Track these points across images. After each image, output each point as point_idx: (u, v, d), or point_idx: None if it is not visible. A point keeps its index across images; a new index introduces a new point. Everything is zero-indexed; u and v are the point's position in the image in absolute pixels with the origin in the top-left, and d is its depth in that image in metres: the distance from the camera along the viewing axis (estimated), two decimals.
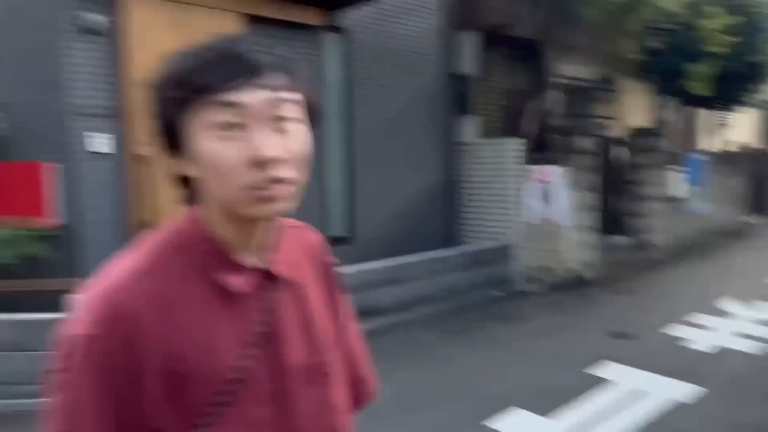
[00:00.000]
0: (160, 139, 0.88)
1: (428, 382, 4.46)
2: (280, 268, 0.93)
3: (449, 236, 7.80)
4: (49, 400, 0.84)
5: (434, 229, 7.56)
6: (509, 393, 4.16)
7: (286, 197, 0.85)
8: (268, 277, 0.92)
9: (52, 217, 4.63)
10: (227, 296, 0.88)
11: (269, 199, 0.83)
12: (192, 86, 0.81)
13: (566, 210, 7.35)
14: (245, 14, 5.49)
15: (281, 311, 0.92)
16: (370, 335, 5.09)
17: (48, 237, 4.55)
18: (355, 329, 1.14)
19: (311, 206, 6.26)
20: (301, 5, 5.85)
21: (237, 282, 0.88)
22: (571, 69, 9.19)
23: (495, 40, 8.26)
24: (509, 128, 8.46)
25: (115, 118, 4.88)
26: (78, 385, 0.82)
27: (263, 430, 0.89)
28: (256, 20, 5.60)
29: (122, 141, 4.91)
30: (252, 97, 0.80)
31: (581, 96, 10.23)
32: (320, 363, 0.96)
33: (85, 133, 4.76)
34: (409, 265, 6.45)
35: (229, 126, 0.80)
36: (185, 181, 0.90)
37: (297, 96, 0.86)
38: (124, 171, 4.93)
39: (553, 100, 8.56)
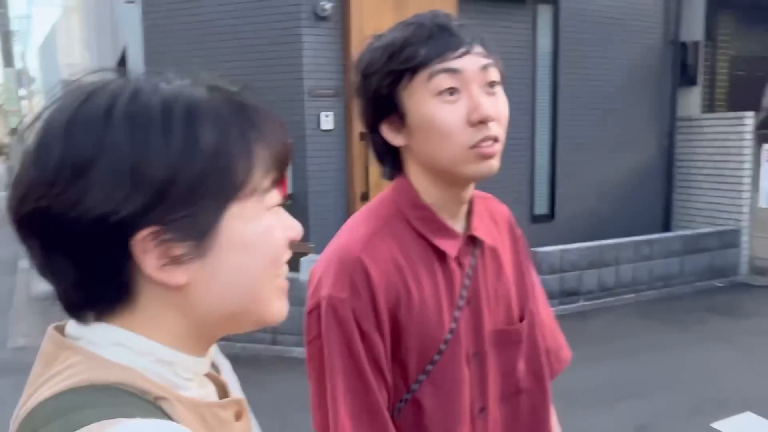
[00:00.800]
0: (370, 114, 0.96)
1: (639, 371, 4.25)
2: (481, 234, 0.99)
3: (664, 219, 7.24)
4: (313, 363, 0.94)
5: (646, 211, 7.06)
6: (738, 394, 3.81)
7: (498, 155, 0.93)
8: (470, 242, 0.98)
9: (285, 188, 5.19)
10: (442, 259, 0.95)
11: (488, 156, 0.90)
12: (417, 57, 0.88)
13: None
14: None
15: (481, 275, 0.99)
16: (574, 317, 5.07)
17: (281, 206, 5.10)
18: (543, 298, 1.19)
19: (519, 182, 6.24)
20: None
21: (449, 246, 0.95)
22: None
23: (727, 1, 7.37)
24: (741, 101, 7.53)
25: (339, 97, 5.28)
26: (332, 347, 0.89)
27: (462, 387, 0.95)
28: None
29: (345, 119, 5.31)
30: (469, 63, 0.89)
31: None
32: (514, 330, 1.02)
33: (316, 112, 5.22)
34: (616, 247, 6.13)
35: (451, 91, 0.88)
36: (388, 154, 0.98)
37: (497, 62, 0.93)
38: (345, 146, 5.33)
39: None
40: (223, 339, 0.66)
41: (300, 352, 4.76)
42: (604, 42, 6.57)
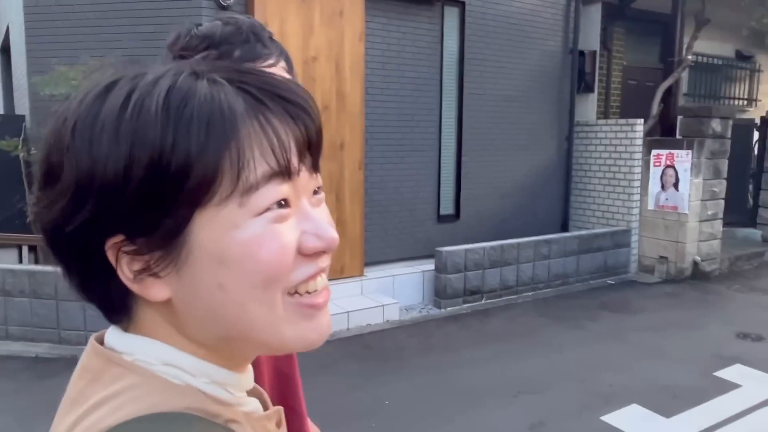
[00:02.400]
0: None
1: (537, 367, 4.38)
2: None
3: (561, 220, 7.55)
4: None
5: (545, 212, 7.34)
6: (627, 388, 4.00)
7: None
8: None
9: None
10: None
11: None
12: (232, 57, 0.94)
13: (689, 197, 6.88)
14: None
15: None
16: (476, 315, 5.15)
17: None
18: None
19: (426, 182, 6.28)
20: None
21: None
22: (706, 45, 8.50)
23: (620, 13, 7.79)
24: (633, 109, 8.00)
25: None
26: None
27: None
28: None
29: None
30: (276, 71, 0.95)
31: (715, 75, 9.47)
32: None
33: None
34: (516, 247, 6.31)
35: None
36: None
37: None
38: None
39: (683, 79, 7.96)
40: None
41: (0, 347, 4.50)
42: (507, 46, 6.75)
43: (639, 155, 7.14)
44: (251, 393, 0.58)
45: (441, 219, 6.44)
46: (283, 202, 0.49)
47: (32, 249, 5.65)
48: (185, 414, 0.47)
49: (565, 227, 7.53)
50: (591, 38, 7.67)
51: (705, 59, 9.18)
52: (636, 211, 7.23)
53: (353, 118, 5.58)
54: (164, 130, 0.45)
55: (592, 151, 7.51)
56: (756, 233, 8.52)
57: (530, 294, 6.34)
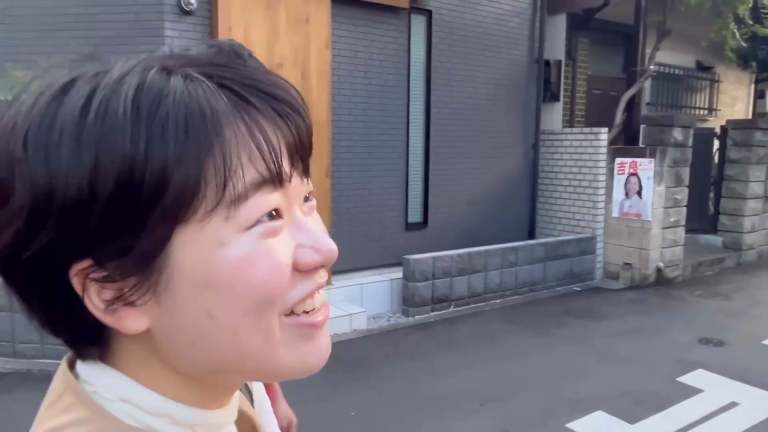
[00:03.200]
0: None
1: (503, 375, 4.37)
2: None
3: (528, 227, 7.61)
4: None
5: (512, 219, 7.39)
6: (592, 395, 4.02)
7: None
8: None
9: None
10: None
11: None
12: None
13: (652, 205, 7.00)
14: None
15: None
16: (444, 323, 5.13)
17: None
18: None
19: (395, 189, 6.25)
20: None
21: None
22: (667, 56, 8.70)
23: (585, 23, 7.93)
24: (597, 117, 8.12)
25: None
26: None
27: None
28: (343, 1, 5.58)
29: None
30: None
31: (676, 84, 9.70)
32: None
33: None
34: (484, 254, 6.33)
35: None
36: None
37: None
38: None
39: (645, 89, 8.13)
40: None
41: (43, 364, 4.38)
42: (474, 55, 6.79)
43: (603, 163, 7.25)
44: (240, 418, 0.53)
45: (409, 227, 6.42)
46: (274, 213, 0.43)
47: None
48: None
49: (532, 234, 7.59)
50: (556, 48, 7.78)
51: (667, 69, 9.39)
52: (601, 218, 7.33)
53: (320, 126, 5.54)
54: (135, 135, 0.38)
55: (557, 159, 7.59)
56: (717, 240, 8.71)
57: (498, 301, 6.35)
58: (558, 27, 7.77)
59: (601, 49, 8.64)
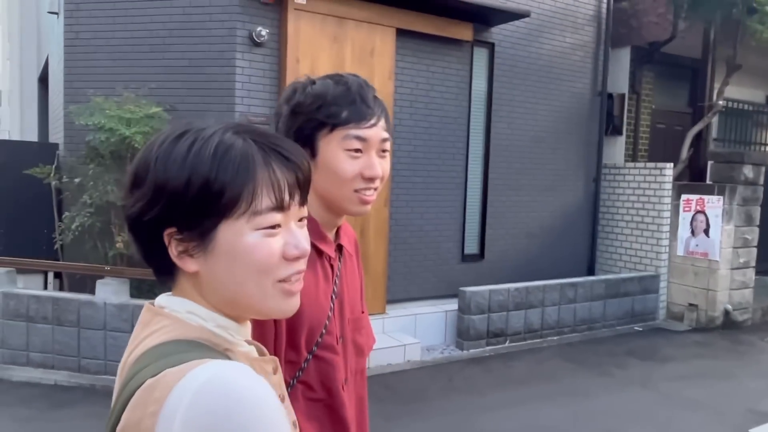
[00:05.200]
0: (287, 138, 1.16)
1: (561, 415, 4.23)
2: (344, 244, 1.30)
3: (588, 263, 7.42)
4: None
5: (571, 255, 7.22)
6: None
7: (371, 204, 1.22)
8: (337, 250, 1.28)
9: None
10: (321, 258, 1.21)
11: (366, 203, 1.20)
12: (339, 117, 1.15)
13: (720, 244, 6.72)
14: (398, 29, 5.58)
15: (343, 275, 1.27)
16: (499, 358, 5.00)
17: None
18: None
19: (452, 221, 6.23)
20: (452, 20, 5.84)
21: (328, 249, 1.23)
22: (736, 91, 8.42)
23: (650, 57, 7.79)
24: (661, 152, 7.91)
25: (272, 125, 5.12)
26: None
27: (338, 363, 1.20)
28: (407, 34, 5.67)
29: None
30: (374, 134, 1.18)
31: (745, 120, 9.37)
32: (361, 317, 1.34)
33: None
34: (542, 289, 6.19)
35: (357, 150, 1.17)
36: None
37: (391, 134, 1.24)
38: None
39: (712, 124, 7.87)
40: None
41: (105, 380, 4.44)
42: (535, 87, 6.75)
43: (668, 200, 7.03)
44: (251, 344, 0.84)
45: (465, 258, 6.36)
46: (277, 225, 0.75)
47: (57, 275, 5.69)
48: (195, 341, 0.73)
49: (591, 271, 7.39)
50: (620, 81, 7.66)
51: (735, 104, 9.09)
52: (665, 256, 7.08)
53: None
54: (212, 167, 0.72)
55: (620, 194, 7.41)
56: None
57: (555, 338, 6.18)
58: (622, 60, 7.66)
59: (666, 82, 8.45)
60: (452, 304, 5.93)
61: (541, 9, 6.68)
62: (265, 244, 0.73)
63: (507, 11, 5.94)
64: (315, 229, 1.16)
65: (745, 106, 9.43)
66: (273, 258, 0.74)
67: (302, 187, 0.77)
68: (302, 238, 0.77)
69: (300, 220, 0.79)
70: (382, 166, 1.20)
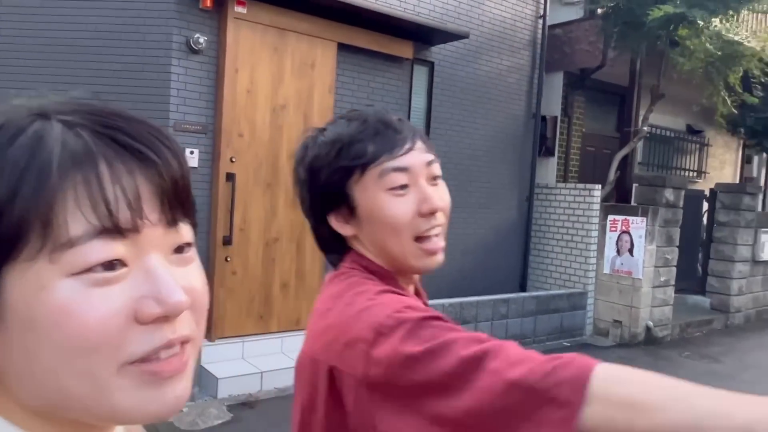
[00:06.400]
0: (317, 206, 0.97)
1: None
2: (423, 298, 1.09)
3: (519, 279, 7.60)
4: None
5: (504, 271, 7.39)
6: None
7: (443, 248, 0.97)
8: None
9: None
10: None
11: (433, 252, 0.96)
12: (366, 155, 0.93)
13: (643, 263, 7.04)
14: (339, 43, 5.59)
15: None
16: None
17: None
18: None
19: None
20: (393, 37, 5.90)
21: None
22: (660, 118, 8.90)
23: (582, 82, 8.13)
24: (589, 174, 8.24)
25: (207, 135, 5.02)
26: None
27: None
28: (348, 48, 5.69)
29: (212, 158, 5.04)
30: (415, 159, 0.95)
31: (667, 146, 9.90)
32: None
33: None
34: (474, 305, 6.30)
35: (403, 186, 0.94)
36: (335, 243, 1.00)
37: (436, 155, 1.01)
38: (210, 187, 5.04)
39: (637, 149, 8.28)
40: None
41: None
42: (473, 108, 6.91)
43: (596, 219, 7.31)
44: None
45: None
46: (116, 262, 0.42)
47: None
48: None
49: (523, 287, 7.58)
50: (553, 104, 7.95)
51: (659, 131, 9.60)
52: (592, 274, 7.35)
53: None
54: None
55: (551, 213, 7.66)
56: (705, 301, 8.74)
57: None
58: (555, 85, 7.96)
59: (596, 107, 8.83)
60: None
61: (479, 31, 6.86)
62: (88, 302, 0.41)
63: (446, 31, 6.06)
64: (395, 283, 0.98)
65: (668, 133, 9.98)
66: (108, 326, 0.42)
67: (168, 194, 0.45)
68: (170, 283, 0.44)
69: (179, 250, 0.47)
70: (439, 195, 0.97)
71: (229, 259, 5.05)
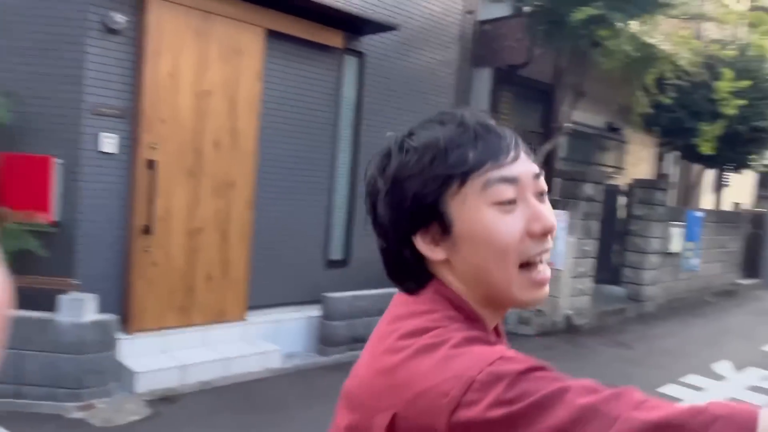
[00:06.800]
0: (403, 224, 0.82)
1: None
2: (503, 338, 0.94)
3: None
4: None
5: None
6: None
7: (549, 278, 0.83)
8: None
9: (51, 214, 4.52)
10: None
11: (541, 284, 0.81)
12: (467, 162, 0.78)
13: (563, 254, 7.32)
14: (268, 30, 5.47)
15: None
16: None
17: (43, 233, 4.43)
18: None
19: (317, 226, 6.19)
20: (323, 26, 5.84)
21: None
22: (581, 115, 9.25)
23: (509, 78, 8.31)
24: None
25: (126, 119, 4.80)
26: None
27: None
28: (277, 35, 5.58)
29: (131, 144, 4.82)
30: (524, 169, 0.81)
31: (588, 142, 10.30)
32: None
33: (96, 132, 4.67)
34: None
35: (511, 201, 0.79)
36: (416, 268, 0.84)
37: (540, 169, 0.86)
38: (128, 174, 4.83)
39: (560, 144, 8.57)
40: None
41: (50, 406, 4.08)
42: (403, 100, 6.94)
43: None
44: None
45: (330, 264, 6.36)
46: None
47: None
48: None
49: None
50: (481, 99, 8.10)
51: (581, 128, 9.97)
52: None
53: (245, 156, 5.44)
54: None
55: None
56: (620, 291, 9.20)
57: None
58: (484, 80, 8.11)
59: (522, 103, 9.07)
60: (316, 311, 5.90)
61: (410, 24, 6.88)
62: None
63: (375, 22, 6.05)
64: (480, 329, 0.82)
65: (589, 130, 10.38)
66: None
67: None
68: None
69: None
70: (551, 215, 0.83)
71: (149, 250, 4.87)
